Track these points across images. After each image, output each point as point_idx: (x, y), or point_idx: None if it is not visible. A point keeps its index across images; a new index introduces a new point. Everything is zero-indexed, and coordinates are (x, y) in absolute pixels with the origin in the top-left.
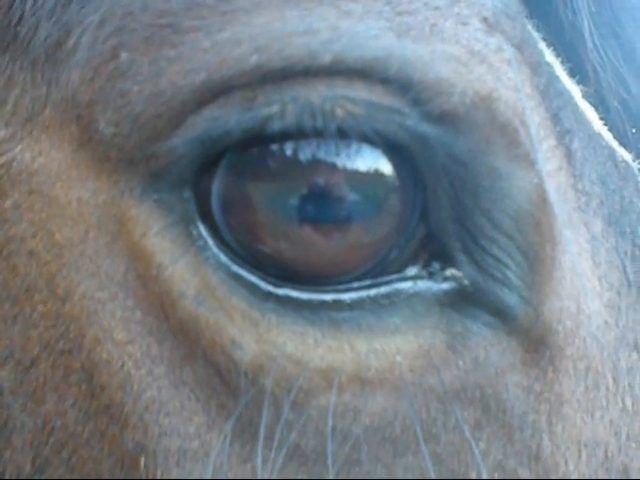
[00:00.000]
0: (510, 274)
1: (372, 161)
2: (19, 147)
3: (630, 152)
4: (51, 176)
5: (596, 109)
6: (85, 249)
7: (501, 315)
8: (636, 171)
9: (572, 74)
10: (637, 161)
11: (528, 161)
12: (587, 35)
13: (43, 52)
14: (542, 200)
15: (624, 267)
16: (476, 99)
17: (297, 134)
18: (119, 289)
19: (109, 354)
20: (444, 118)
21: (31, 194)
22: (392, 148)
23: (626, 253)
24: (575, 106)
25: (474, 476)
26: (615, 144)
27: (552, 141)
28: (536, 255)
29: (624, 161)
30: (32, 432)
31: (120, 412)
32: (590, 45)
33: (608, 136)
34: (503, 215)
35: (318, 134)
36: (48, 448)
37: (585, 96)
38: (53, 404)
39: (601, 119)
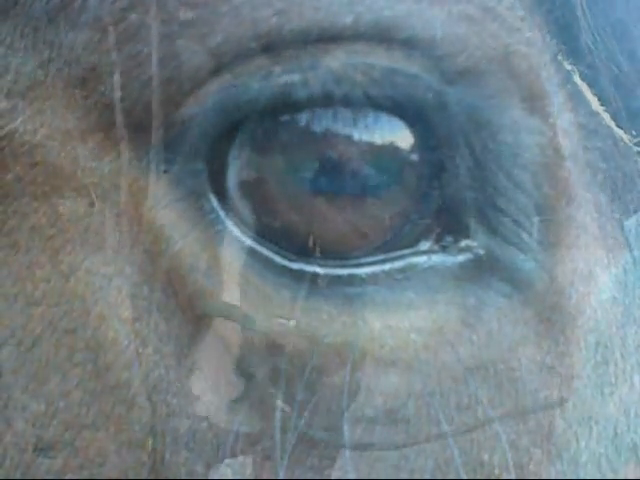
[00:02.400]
0: (525, 236)
1: (389, 132)
2: (21, 118)
3: (626, 132)
4: (54, 147)
5: (591, 89)
6: (90, 223)
7: (516, 282)
8: (634, 151)
9: (567, 56)
10: (634, 141)
11: (544, 113)
12: (579, 13)
13: (45, 16)
14: (557, 153)
15: (629, 244)
16: (493, 54)
17: (317, 102)
18: (126, 264)
19: (115, 332)
20: (463, 77)
21: (34, 167)
22: (411, 116)
23: (630, 230)
24: (574, 84)
25: (487, 458)
26: (613, 124)
27: (563, 97)
28: (552, 211)
29: (623, 141)
30: (34, 414)
31: (126, 392)
32: (583, 24)
33: (606, 116)
34: (523, 171)
35: (339, 101)
36: (51, 430)
37: (581, 76)
38: (56, 385)
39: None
